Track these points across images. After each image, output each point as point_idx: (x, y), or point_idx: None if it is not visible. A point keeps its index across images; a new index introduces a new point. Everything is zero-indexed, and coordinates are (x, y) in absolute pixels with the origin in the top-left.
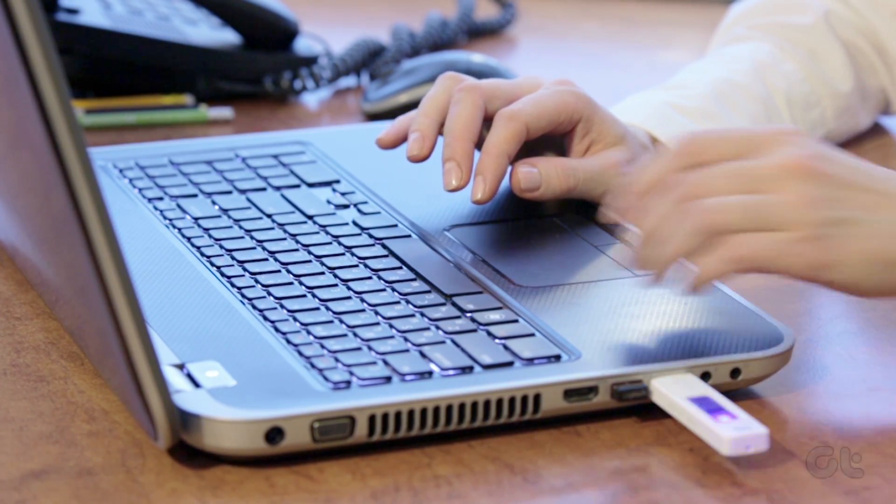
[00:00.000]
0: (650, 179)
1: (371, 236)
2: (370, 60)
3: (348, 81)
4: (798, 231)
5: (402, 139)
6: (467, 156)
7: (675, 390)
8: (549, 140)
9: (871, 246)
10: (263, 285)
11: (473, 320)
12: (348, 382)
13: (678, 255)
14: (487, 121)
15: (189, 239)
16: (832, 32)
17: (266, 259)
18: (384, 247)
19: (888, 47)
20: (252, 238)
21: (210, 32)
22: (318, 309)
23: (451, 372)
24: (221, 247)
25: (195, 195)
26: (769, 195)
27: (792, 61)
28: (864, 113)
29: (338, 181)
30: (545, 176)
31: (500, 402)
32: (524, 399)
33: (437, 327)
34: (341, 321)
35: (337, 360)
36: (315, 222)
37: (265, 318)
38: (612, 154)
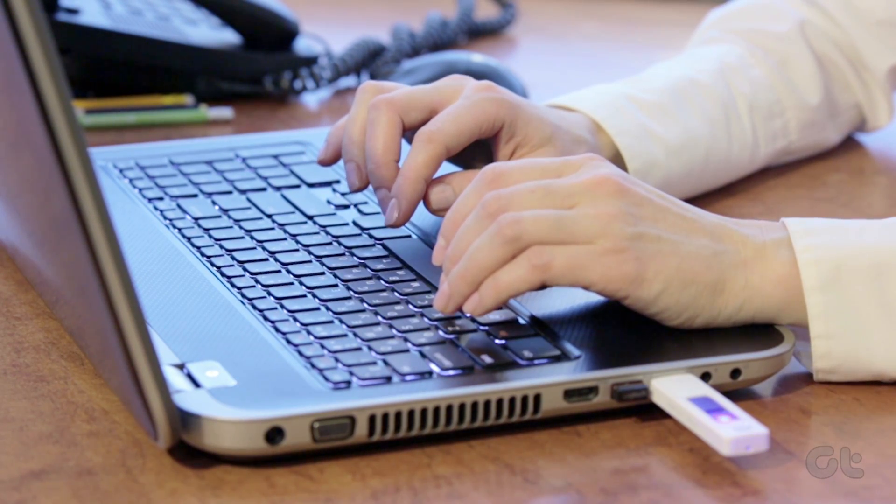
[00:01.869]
0: (457, 210)
1: (371, 236)
2: (370, 60)
3: (348, 81)
4: (603, 243)
5: (340, 152)
6: (394, 181)
7: (675, 390)
8: (479, 144)
9: (672, 263)
10: (263, 285)
11: (473, 320)
12: (348, 382)
13: (488, 267)
14: (407, 130)
15: (189, 239)
16: (806, 42)
17: (266, 259)
18: (384, 247)
19: (866, 60)
20: (252, 238)
21: (210, 32)
22: (318, 309)
23: (451, 372)
24: (221, 247)
25: (195, 195)
26: (576, 209)
27: (761, 68)
28: (831, 129)
29: (338, 181)
30: (459, 192)
31: (500, 402)
32: (524, 399)
33: (437, 327)
34: (341, 321)
35: (337, 360)
36: (315, 222)
37: (265, 318)
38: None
